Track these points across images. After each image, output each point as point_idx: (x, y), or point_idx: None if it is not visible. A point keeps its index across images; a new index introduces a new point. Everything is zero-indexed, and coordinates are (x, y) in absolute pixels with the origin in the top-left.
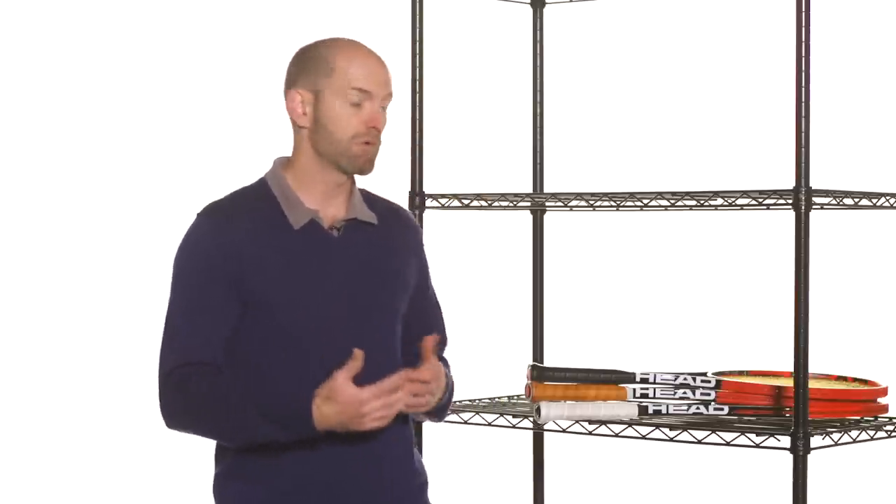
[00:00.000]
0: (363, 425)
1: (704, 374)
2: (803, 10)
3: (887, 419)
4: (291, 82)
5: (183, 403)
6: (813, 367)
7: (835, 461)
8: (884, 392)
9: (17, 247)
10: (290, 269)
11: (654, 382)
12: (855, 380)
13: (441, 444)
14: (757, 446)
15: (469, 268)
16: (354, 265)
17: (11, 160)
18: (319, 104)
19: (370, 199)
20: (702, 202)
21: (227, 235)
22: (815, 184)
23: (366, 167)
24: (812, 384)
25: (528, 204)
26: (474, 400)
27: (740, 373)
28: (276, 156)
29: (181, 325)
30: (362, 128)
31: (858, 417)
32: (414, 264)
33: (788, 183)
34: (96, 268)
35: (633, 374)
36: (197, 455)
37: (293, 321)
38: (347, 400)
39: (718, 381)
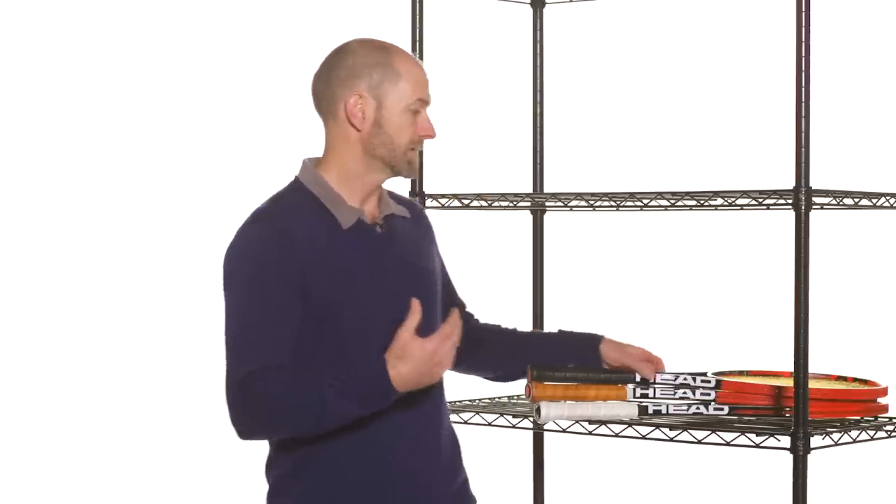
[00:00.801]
0: (436, 375)
1: (704, 374)
2: (803, 10)
3: (887, 419)
4: (350, 85)
5: (264, 405)
6: (813, 367)
7: (835, 461)
8: (884, 392)
9: (18, 249)
10: (348, 270)
11: (654, 382)
12: (855, 380)
13: None
14: (757, 446)
15: (469, 268)
16: (398, 261)
17: (23, 162)
18: (383, 110)
19: (391, 195)
20: (702, 202)
21: (287, 240)
22: (815, 184)
23: (415, 171)
24: (812, 384)
25: (528, 204)
26: (474, 400)
27: (740, 373)
28: (269, 156)
29: (249, 332)
30: (416, 137)
31: (858, 417)
32: (435, 250)
33: (788, 183)
34: (104, 270)
35: (633, 374)
36: (196, 456)
37: (351, 320)
38: (420, 353)
39: (718, 381)
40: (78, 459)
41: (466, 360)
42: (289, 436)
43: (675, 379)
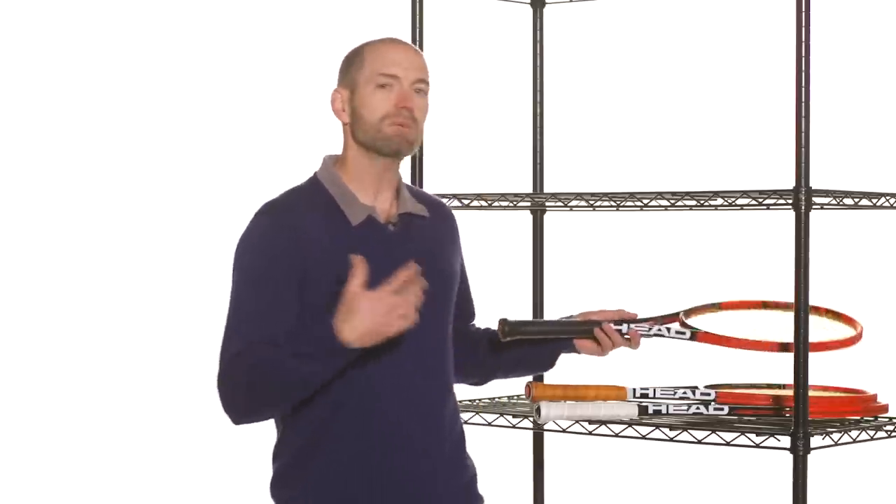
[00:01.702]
0: (391, 326)
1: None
2: (803, 10)
3: (887, 419)
4: (337, 83)
5: (237, 381)
6: (812, 367)
7: (835, 461)
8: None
9: (20, 249)
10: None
11: (629, 324)
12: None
13: None
14: (757, 446)
15: (469, 268)
16: (411, 259)
17: (34, 162)
18: (353, 97)
19: (415, 193)
20: (702, 202)
21: (291, 233)
22: (815, 184)
23: (402, 148)
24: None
25: (528, 204)
26: (474, 400)
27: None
28: (279, 157)
29: (246, 316)
30: (392, 109)
31: (858, 417)
32: (457, 253)
33: (788, 183)
34: (109, 270)
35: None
36: (197, 455)
37: None
38: (367, 303)
39: (694, 333)
40: (80, 459)
41: (465, 371)
42: (268, 410)
43: (650, 330)
